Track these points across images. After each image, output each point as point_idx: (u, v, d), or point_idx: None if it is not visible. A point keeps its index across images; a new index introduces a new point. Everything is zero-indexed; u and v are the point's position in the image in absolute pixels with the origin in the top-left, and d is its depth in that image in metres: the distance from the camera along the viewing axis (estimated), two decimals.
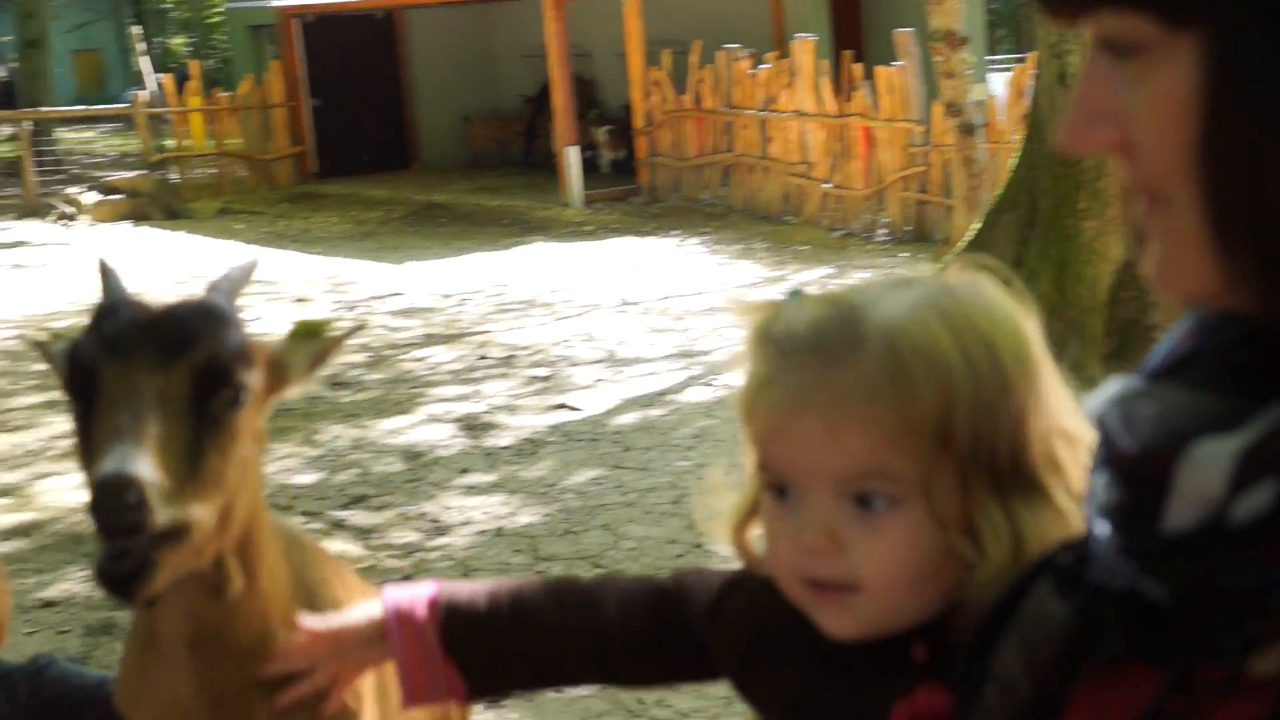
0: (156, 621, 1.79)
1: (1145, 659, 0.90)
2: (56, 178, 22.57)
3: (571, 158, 19.14)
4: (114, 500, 1.47)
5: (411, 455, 8.74)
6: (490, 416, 9.38)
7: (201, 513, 1.58)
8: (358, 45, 23.64)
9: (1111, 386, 0.93)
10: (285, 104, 22.91)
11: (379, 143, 23.79)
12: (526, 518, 7.39)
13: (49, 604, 6.44)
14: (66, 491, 8.06)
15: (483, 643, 1.67)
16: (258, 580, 1.78)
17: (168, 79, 22.81)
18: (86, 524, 1.55)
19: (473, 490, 8.04)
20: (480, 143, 24.43)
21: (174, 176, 21.87)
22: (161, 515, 1.50)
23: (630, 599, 1.65)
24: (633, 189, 19.75)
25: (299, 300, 13.94)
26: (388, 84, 24.11)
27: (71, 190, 21.28)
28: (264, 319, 13.01)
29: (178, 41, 50.75)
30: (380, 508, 7.80)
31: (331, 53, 23.33)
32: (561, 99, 19.30)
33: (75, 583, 6.63)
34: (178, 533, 1.54)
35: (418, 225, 19.26)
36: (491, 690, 1.75)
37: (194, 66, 24.22)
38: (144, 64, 24.28)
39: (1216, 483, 0.82)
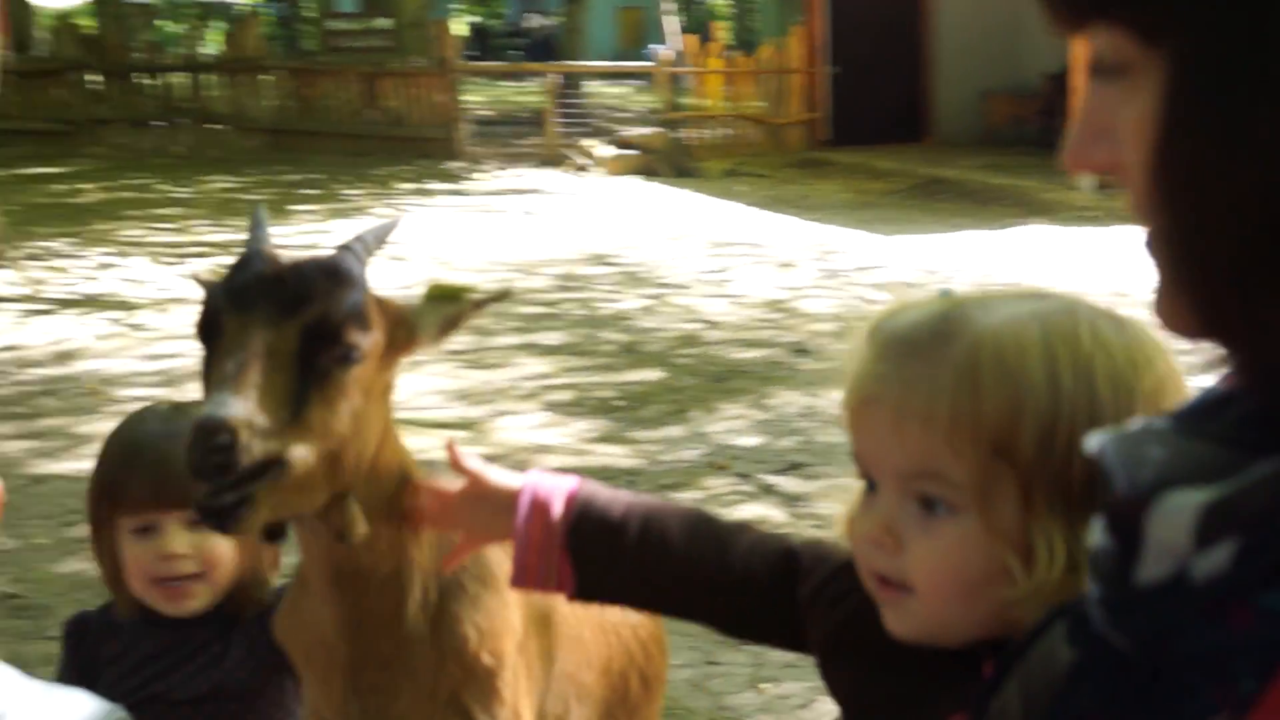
0: (304, 560, 1.86)
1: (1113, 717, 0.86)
2: (578, 129, 23.51)
3: None
4: (205, 443, 1.53)
5: None
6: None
7: (300, 452, 1.60)
8: (883, 15, 23.49)
9: (1133, 424, 0.88)
10: (804, 70, 23.04)
11: (893, 114, 23.57)
12: None
13: None
14: (523, 430, 8.34)
15: (604, 549, 1.68)
16: (390, 523, 1.81)
17: (691, 39, 23.33)
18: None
19: None
20: (996, 119, 23.87)
21: (687, 135, 22.39)
22: (256, 450, 1.54)
23: (758, 550, 1.65)
24: None
25: (783, 265, 13.99)
26: (908, 55, 23.87)
27: (588, 142, 22.12)
28: (744, 280, 13.14)
29: (720, 2, 52.00)
30: (814, 477, 7.70)
31: (856, 21, 23.27)
32: (1084, 78, 18.55)
33: None
34: (272, 467, 1.57)
35: (918, 199, 19.01)
36: (599, 596, 1.74)
37: (716, 29, 24.68)
38: (670, 23, 24.92)
39: (1181, 536, 0.78)
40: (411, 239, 15.20)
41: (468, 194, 19.20)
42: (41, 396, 9.25)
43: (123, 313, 11.74)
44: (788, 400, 9.16)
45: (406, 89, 22.64)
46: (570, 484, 1.72)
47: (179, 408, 2.50)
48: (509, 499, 1.71)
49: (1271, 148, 0.72)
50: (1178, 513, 0.78)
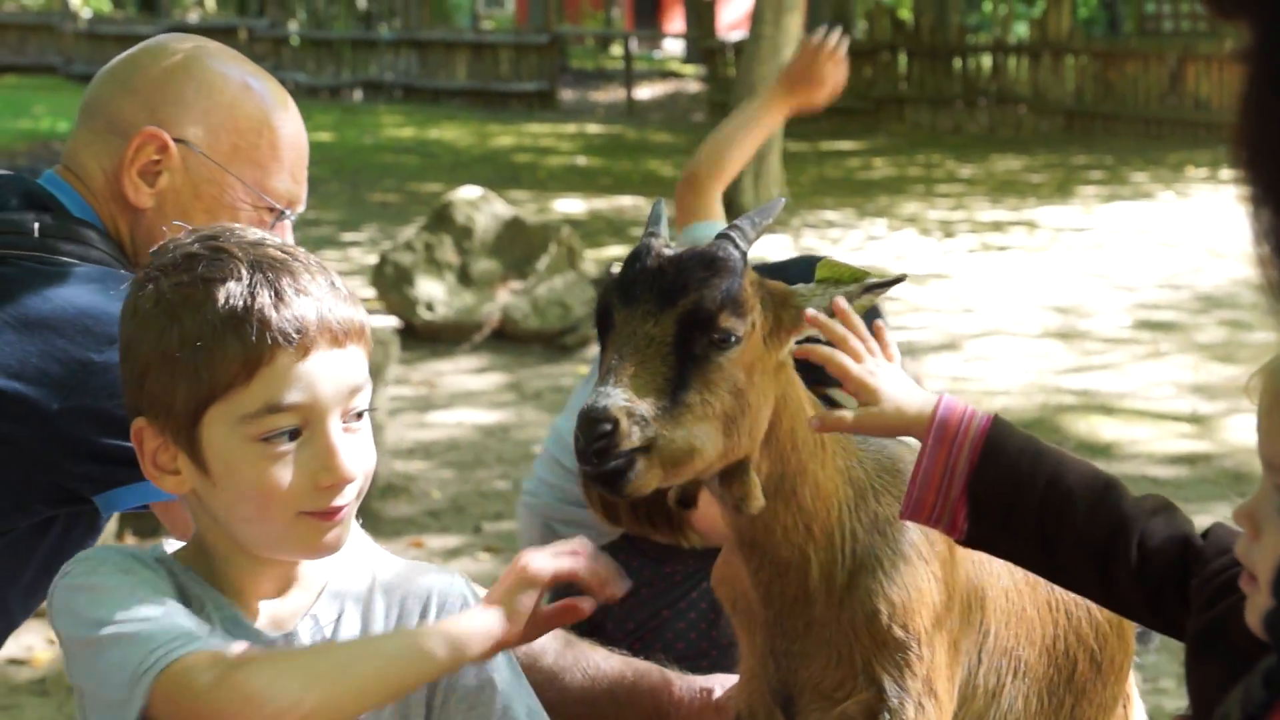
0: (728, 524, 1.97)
1: None
2: None
3: None
4: (590, 431, 1.69)
5: None
6: None
7: (681, 434, 1.72)
8: None
9: None
10: None
11: None
12: None
13: None
14: (1244, 430, 8.05)
15: (1005, 501, 1.65)
16: (795, 499, 1.89)
17: None
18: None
19: None
20: None
21: None
22: (635, 437, 1.69)
23: (1158, 535, 1.61)
24: None
25: None
26: None
27: None
28: None
29: None
30: None
31: None
32: None
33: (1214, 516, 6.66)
34: (650, 448, 1.71)
35: None
36: (989, 546, 1.74)
37: None
38: None
39: None
40: (1189, 228, 14.77)
41: None
42: None
43: None
44: None
45: (1215, 73, 21.86)
46: (982, 421, 1.72)
47: None
48: (918, 420, 1.72)
49: None
50: None
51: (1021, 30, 27.43)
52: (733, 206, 14.96)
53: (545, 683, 2.19)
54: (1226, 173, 19.00)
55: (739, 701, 2.09)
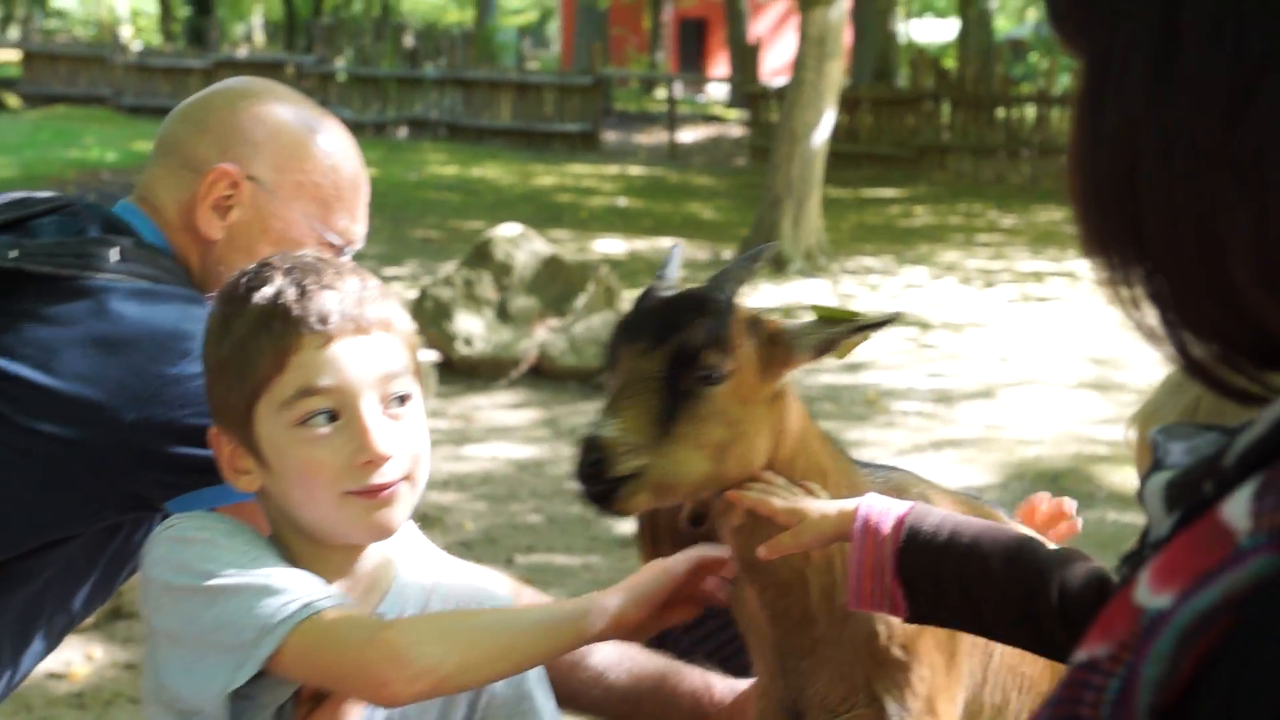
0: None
1: None
2: None
3: None
4: (583, 457, 1.84)
5: None
6: None
7: (671, 462, 1.86)
8: None
9: None
10: None
11: None
12: None
13: None
14: None
15: (930, 575, 1.76)
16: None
17: None
18: None
19: None
20: None
21: None
22: (623, 465, 1.83)
23: (1078, 577, 1.69)
24: None
25: None
26: None
27: None
28: None
29: None
30: None
31: None
32: None
33: None
34: (638, 475, 1.85)
35: None
36: (930, 619, 1.84)
37: None
38: None
39: (1158, 510, 0.92)
40: None
41: None
42: (823, 401, 9.94)
43: (918, 330, 12.31)
44: None
45: None
46: (901, 510, 1.83)
47: None
48: (842, 522, 1.84)
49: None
50: (1152, 492, 0.94)
51: (1066, 81, 27.46)
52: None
53: (591, 680, 2.29)
54: None
55: (752, 715, 2.17)
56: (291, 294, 1.82)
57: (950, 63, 29.74)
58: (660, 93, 38.41)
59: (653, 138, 29.89)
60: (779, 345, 1.95)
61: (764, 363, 1.94)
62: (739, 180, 23.77)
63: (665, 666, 2.33)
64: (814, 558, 1.97)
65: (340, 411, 1.81)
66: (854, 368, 10.92)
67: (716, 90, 40.10)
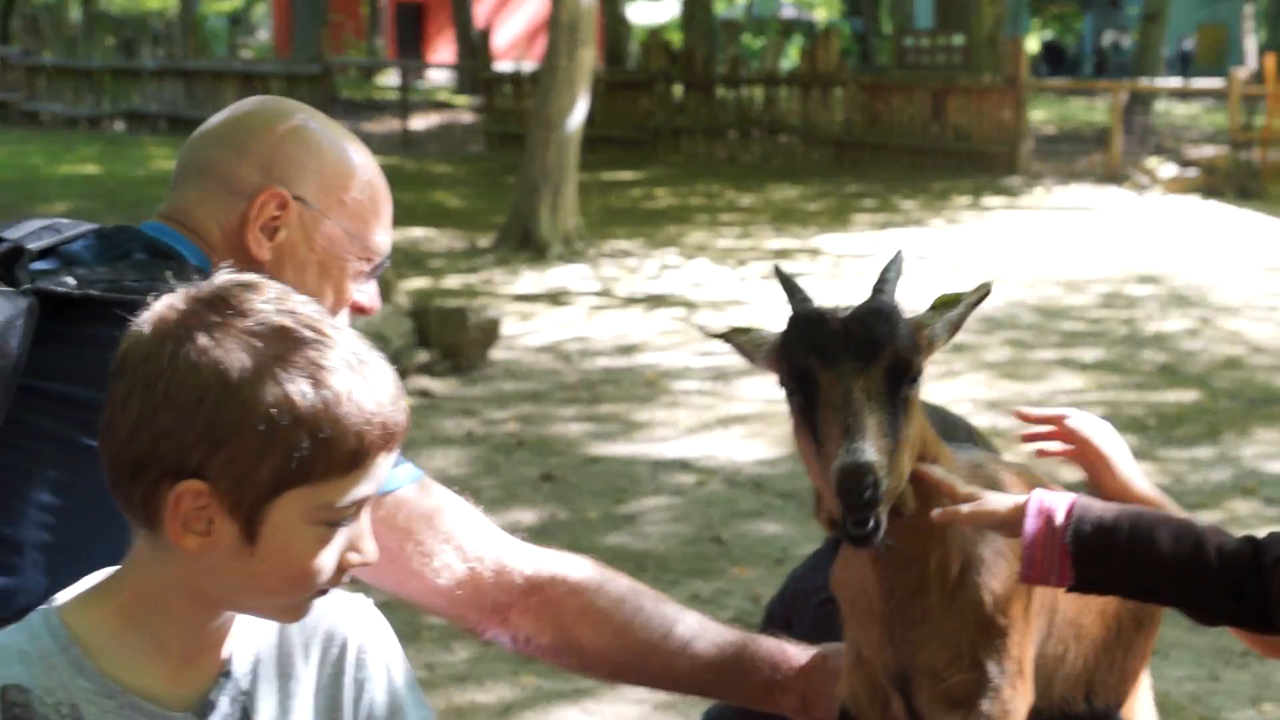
0: None
1: None
2: (1144, 148, 23.08)
3: None
4: (857, 484, 1.90)
5: None
6: None
7: (900, 470, 2.00)
8: None
9: None
10: None
11: None
12: None
13: None
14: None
15: (1098, 546, 2.01)
16: (928, 500, 2.13)
17: (1270, 58, 22.45)
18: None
19: None
20: None
21: (1256, 156, 21.57)
22: (887, 483, 1.94)
23: (1226, 544, 1.97)
24: None
25: None
26: None
27: (1151, 161, 21.69)
28: None
29: None
30: None
31: None
32: None
33: None
34: (891, 494, 1.98)
35: None
36: (1094, 588, 2.08)
37: None
38: (1250, 42, 24.00)
39: None
40: (963, 252, 15.50)
41: (1023, 209, 19.26)
42: (604, 384, 10.14)
43: (684, 310, 12.61)
44: None
45: (974, 105, 22.85)
46: (1071, 496, 2.07)
47: None
48: (1014, 512, 2.05)
49: None
50: None
51: (791, 63, 28.23)
52: (530, 237, 15.22)
53: (678, 650, 2.40)
54: (989, 201, 19.93)
55: (843, 689, 2.32)
56: (386, 395, 1.66)
57: (677, 40, 30.23)
58: (382, 79, 38.05)
59: (383, 126, 29.64)
60: (922, 336, 2.09)
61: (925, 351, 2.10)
62: (478, 167, 23.81)
63: (743, 635, 2.48)
64: (936, 532, 2.14)
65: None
66: (628, 350, 11.16)
67: (438, 76, 39.91)
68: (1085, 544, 2.02)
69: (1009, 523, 2.08)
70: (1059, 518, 2.03)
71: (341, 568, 1.69)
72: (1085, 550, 2.03)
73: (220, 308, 1.66)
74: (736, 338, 2.21)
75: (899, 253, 2.16)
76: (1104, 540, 2.02)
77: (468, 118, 30.38)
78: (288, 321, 1.65)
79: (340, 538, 1.67)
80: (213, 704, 1.74)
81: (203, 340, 1.63)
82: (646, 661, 2.42)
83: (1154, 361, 10.79)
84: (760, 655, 2.45)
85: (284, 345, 1.63)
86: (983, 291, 2.14)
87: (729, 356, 10.81)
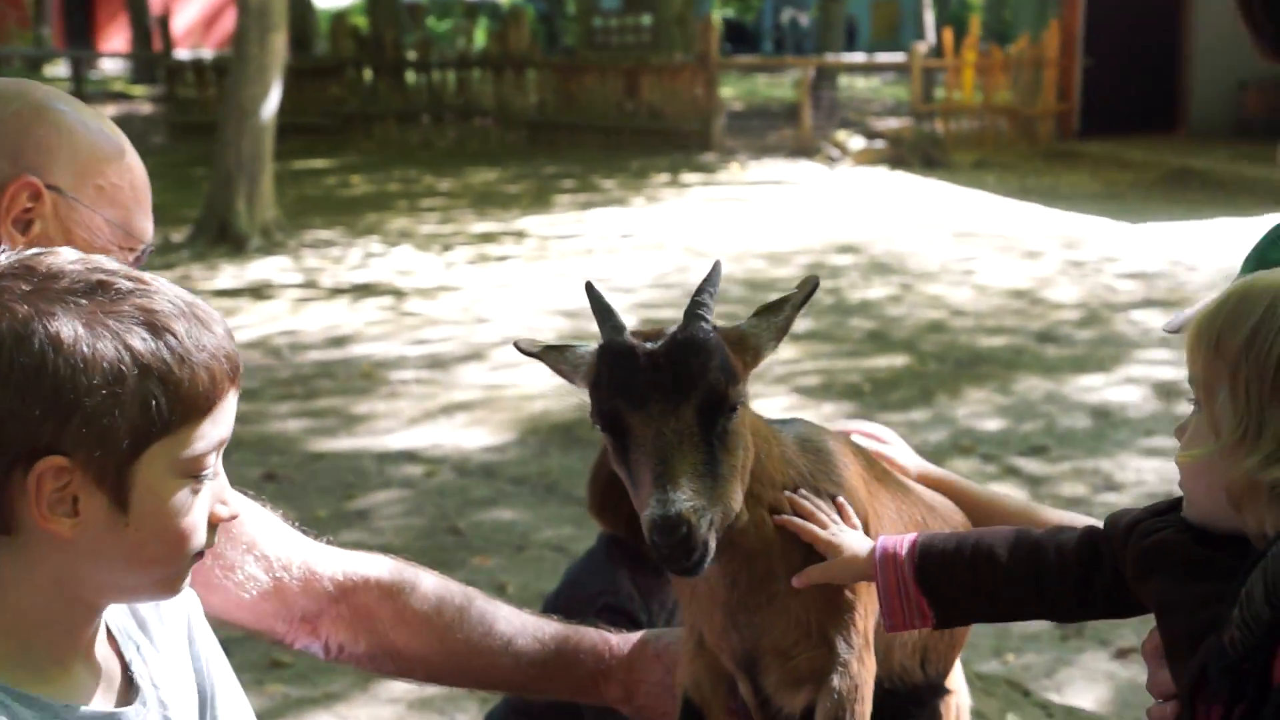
0: None
1: None
2: (831, 122, 23.70)
3: None
4: (669, 537, 1.84)
5: (1100, 413, 8.71)
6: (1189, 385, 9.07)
7: (726, 502, 1.93)
8: (1141, 5, 23.08)
9: None
10: (1058, 62, 22.80)
11: (1146, 105, 23.15)
12: None
13: None
14: (772, 413, 8.62)
15: (947, 579, 2.01)
16: (761, 500, 2.10)
17: (947, 32, 23.30)
18: None
19: (1153, 453, 7.93)
20: (1252, 110, 23.22)
21: (938, 127, 22.39)
22: (704, 528, 1.87)
23: (1068, 539, 1.96)
24: None
25: (1029, 254, 14.01)
26: (1164, 46, 23.36)
27: (840, 134, 22.30)
28: (991, 269, 13.23)
29: None
30: (1057, 460, 7.87)
31: (1113, 12, 22.92)
32: None
33: None
34: (714, 526, 1.90)
35: (1168, 189, 18.71)
36: (955, 620, 2.09)
37: (974, 22, 24.55)
38: (928, 16, 24.86)
39: None
40: (666, 229, 15.63)
41: (721, 185, 19.57)
42: (318, 378, 9.87)
43: (393, 299, 12.38)
44: (1032, 386, 9.30)
45: (666, 83, 23.09)
46: (912, 536, 2.06)
47: None
48: (863, 563, 2.06)
49: None
50: None
51: (481, 45, 28.05)
52: (228, 229, 14.75)
53: (501, 649, 2.33)
54: (687, 177, 20.17)
55: (684, 677, 2.26)
56: (221, 329, 1.61)
57: (362, 23, 29.74)
58: (51, 70, 36.43)
59: None
60: (747, 349, 2.01)
61: (744, 371, 2.00)
62: (162, 160, 22.91)
63: (564, 627, 2.41)
64: (778, 532, 2.11)
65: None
66: (339, 342, 10.90)
67: (112, 66, 38.47)
68: (934, 581, 2.02)
69: (864, 576, 2.09)
70: (905, 564, 2.03)
71: (211, 524, 1.64)
72: (936, 587, 2.03)
73: (27, 276, 1.55)
74: (551, 358, 2.11)
75: (716, 264, 2.04)
76: (950, 574, 2.02)
77: (146, 108, 29.32)
78: (103, 276, 1.56)
79: (206, 491, 1.61)
80: (137, 688, 1.70)
81: (22, 310, 1.51)
82: (468, 663, 2.35)
83: (862, 329, 11.05)
84: (583, 647, 2.41)
85: (108, 298, 1.54)
86: (808, 287, 2.07)
87: (444, 344, 10.72)
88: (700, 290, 1.98)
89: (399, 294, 12.60)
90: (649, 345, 1.94)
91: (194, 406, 1.57)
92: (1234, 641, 1.55)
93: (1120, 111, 22.83)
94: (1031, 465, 7.78)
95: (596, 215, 16.78)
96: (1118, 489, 7.36)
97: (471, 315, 11.70)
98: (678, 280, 12.69)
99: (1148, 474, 7.57)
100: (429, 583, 2.33)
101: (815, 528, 2.11)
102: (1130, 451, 7.98)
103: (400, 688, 5.36)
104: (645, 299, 12.08)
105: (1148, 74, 23.16)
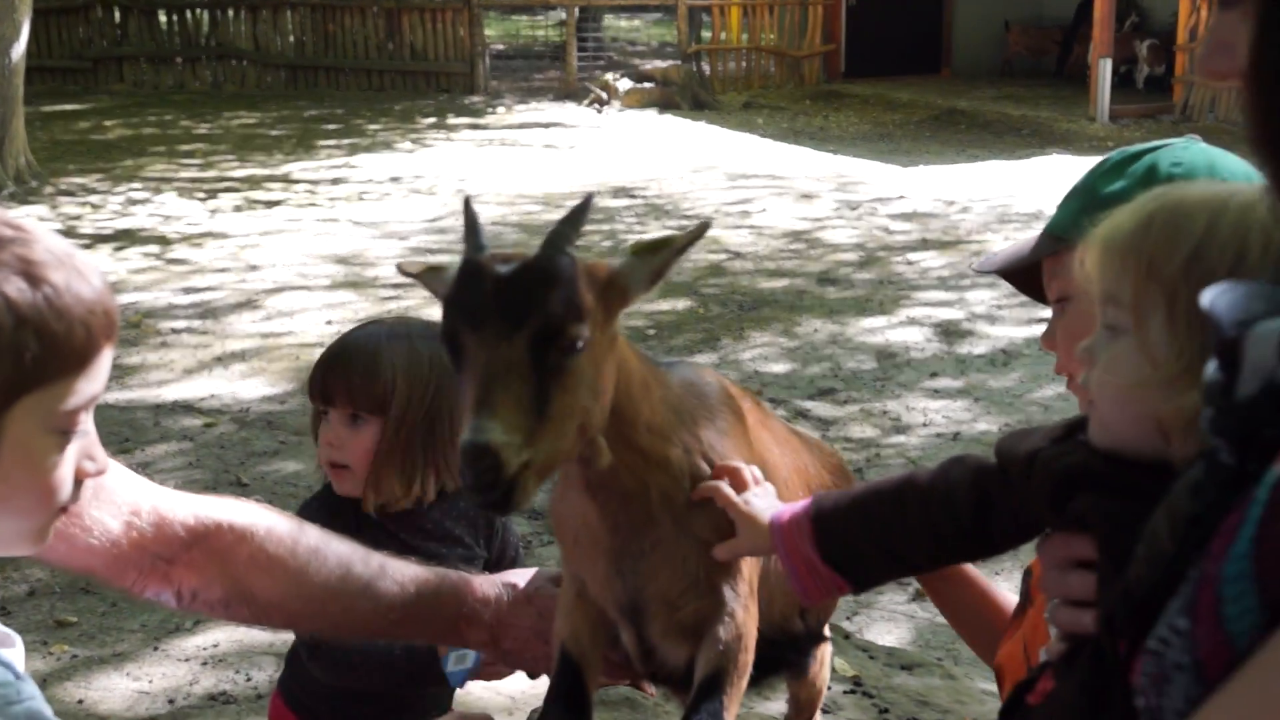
0: (563, 470, 2.07)
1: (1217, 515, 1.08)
2: (597, 64, 23.60)
3: (1103, 71, 18.47)
4: (474, 466, 1.72)
5: (885, 354, 8.80)
6: (969, 324, 9.27)
7: (551, 443, 1.80)
8: None
9: (1242, 283, 1.11)
10: (822, 3, 23.06)
11: (910, 46, 23.63)
12: (985, 425, 7.34)
13: None
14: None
15: (852, 551, 1.95)
16: (633, 444, 2.01)
17: None
18: None
19: (938, 394, 8.04)
20: (1015, 50, 23.90)
21: (705, 68, 22.47)
22: (514, 463, 1.73)
23: (955, 483, 1.86)
24: (1164, 106, 18.89)
25: (803, 196, 14.13)
26: None
27: (607, 76, 22.21)
28: (769, 212, 13.31)
29: None
30: (845, 402, 7.92)
31: None
32: (1103, 8, 18.60)
33: None
34: (531, 465, 1.77)
35: (936, 130, 19.11)
36: (868, 584, 2.01)
37: None
38: None
39: (1268, 354, 1.01)
40: (437, 173, 15.37)
41: (489, 128, 19.33)
42: None
43: (158, 247, 11.93)
44: (815, 328, 9.36)
45: (428, 24, 22.71)
46: (805, 507, 1.98)
47: (402, 320, 2.98)
48: (765, 544, 2.01)
49: None
50: (1266, 337, 1.02)
51: None
52: None
53: (359, 592, 2.24)
54: (454, 120, 19.89)
55: (562, 628, 2.18)
56: (99, 282, 1.55)
57: None
58: None
59: None
60: (615, 288, 1.90)
61: (605, 312, 1.89)
62: None
63: (425, 570, 2.33)
64: (654, 464, 2.03)
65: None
66: None
67: None
68: (839, 555, 1.96)
69: (771, 551, 2.04)
70: (806, 541, 1.97)
71: (78, 479, 1.63)
72: (842, 561, 1.96)
73: None
74: (427, 278, 2.00)
75: (588, 198, 1.91)
76: (852, 544, 1.96)
77: None
78: None
79: (74, 446, 1.60)
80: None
81: None
82: (325, 607, 2.24)
83: None
84: (444, 589, 2.33)
85: None
86: (697, 232, 1.94)
87: (216, 292, 10.36)
88: (564, 220, 1.86)
89: (164, 241, 12.14)
90: (499, 267, 1.82)
91: (69, 361, 1.54)
92: (1139, 578, 1.48)
93: (886, 52, 23.25)
94: (820, 408, 7.82)
95: (364, 159, 16.42)
96: (905, 430, 7.44)
97: (242, 262, 11.33)
98: (453, 225, 12.49)
99: (934, 414, 7.68)
100: (283, 526, 2.21)
101: (731, 492, 2.05)
102: (916, 393, 8.08)
103: (192, 645, 5.16)
104: (420, 244, 11.86)
105: (912, 15, 23.63)
